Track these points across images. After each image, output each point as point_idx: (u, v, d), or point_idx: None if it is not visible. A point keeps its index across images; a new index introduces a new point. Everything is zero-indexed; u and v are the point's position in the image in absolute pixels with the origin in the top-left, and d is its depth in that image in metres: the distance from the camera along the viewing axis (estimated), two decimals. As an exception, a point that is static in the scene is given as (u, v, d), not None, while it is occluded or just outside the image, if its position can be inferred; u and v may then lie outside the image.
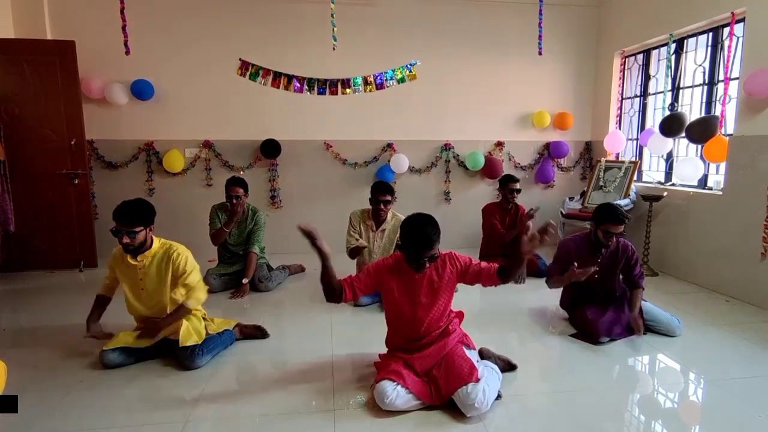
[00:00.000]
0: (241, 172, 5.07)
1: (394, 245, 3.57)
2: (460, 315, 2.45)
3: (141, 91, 4.76)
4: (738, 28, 3.79)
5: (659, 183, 4.75)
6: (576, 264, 2.85)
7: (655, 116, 4.90)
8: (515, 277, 2.27)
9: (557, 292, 3.25)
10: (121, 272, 2.60)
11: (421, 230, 2.10)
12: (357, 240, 3.62)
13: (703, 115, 4.13)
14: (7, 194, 4.19)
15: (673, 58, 4.43)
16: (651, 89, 4.97)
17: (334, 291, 2.18)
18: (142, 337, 2.59)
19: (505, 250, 4.39)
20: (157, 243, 2.58)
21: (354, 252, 3.62)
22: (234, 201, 3.78)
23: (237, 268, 3.94)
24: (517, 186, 4.28)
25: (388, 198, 3.58)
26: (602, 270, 2.95)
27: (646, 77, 5.01)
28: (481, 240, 4.54)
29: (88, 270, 4.57)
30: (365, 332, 3.05)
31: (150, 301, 2.59)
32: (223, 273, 3.93)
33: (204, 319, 2.74)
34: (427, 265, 2.17)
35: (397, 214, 3.71)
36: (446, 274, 2.24)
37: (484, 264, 2.27)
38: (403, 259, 2.24)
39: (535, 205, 4.37)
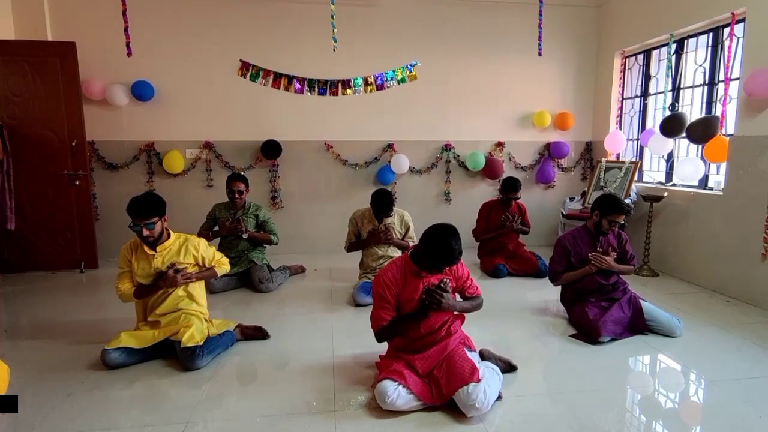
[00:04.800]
0: (242, 173, 5.06)
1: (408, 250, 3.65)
2: (461, 317, 2.45)
3: (141, 92, 4.76)
4: (738, 29, 3.78)
5: (660, 183, 4.74)
6: (584, 254, 3.05)
7: (655, 116, 4.89)
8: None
9: (556, 291, 3.28)
10: (137, 261, 2.64)
11: (449, 247, 2.09)
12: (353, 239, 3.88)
13: (703, 115, 4.13)
14: (8, 192, 4.19)
15: (673, 58, 4.43)
16: (651, 89, 4.97)
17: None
18: (147, 326, 2.65)
19: (503, 251, 4.41)
20: (173, 235, 2.73)
21: (352, 246, 3.86)
22: (236, 196, 3.93)
23: (238, 269, 3.94)
24: (518, 195, 4.31)
25: (391, 214, 3.76)
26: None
27: (647, 77, 5.01)
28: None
29: (88, 271, 4.57)
30: (366, 332, 3.04)
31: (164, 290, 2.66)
32: (225, 274, 3.91)
33: (205, 320, 2.75)
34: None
35: (398, 210, 3.86)
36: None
37: (470, 291, 2.39)
38: (406, 263, 2.25)
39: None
